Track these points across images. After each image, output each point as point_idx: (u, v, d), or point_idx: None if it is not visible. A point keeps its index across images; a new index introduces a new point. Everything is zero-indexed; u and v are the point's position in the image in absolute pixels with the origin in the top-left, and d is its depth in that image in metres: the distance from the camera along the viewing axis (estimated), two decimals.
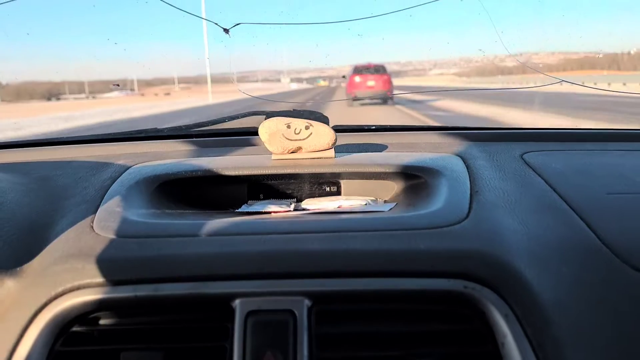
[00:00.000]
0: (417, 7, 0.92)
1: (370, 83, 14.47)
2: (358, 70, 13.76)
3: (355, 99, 13.82)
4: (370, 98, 14.56)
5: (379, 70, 14.54)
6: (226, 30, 0.90)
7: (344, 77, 14.51)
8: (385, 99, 15.08)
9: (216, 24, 0.88)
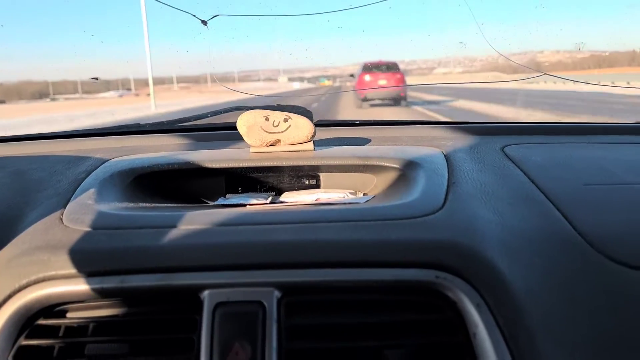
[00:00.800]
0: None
1: (382, 82, 12.92)
2: (368, 68, 12.43)
3: (365, 99, 12.61)
4: (382, 99, 13.35)
5: (391, 67, 13.16)
6: (204, 22, 0.89)
7: (351, 75, 13.44)
8: (398, 100, 13.47)
9: (194, 15, 0.87)
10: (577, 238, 0.63)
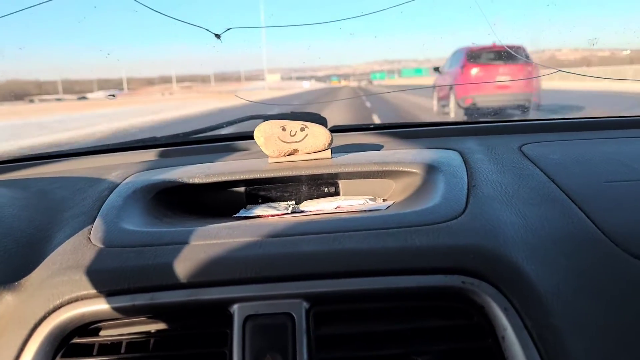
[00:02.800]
0: (408, 3, 0.91)
1: (502, 78, 7.06)
2: (475, 56, 7.50)
3: (472, 107, 7.08)
4: (500, 107, 6.86)
5: (512, 56, 6.76)
6: (217, 36, 0.90)
7: (436, 69, 8.59)
8: (527, 107, 7.10)
9: (207, 30, 0.88)
10: (601, 236, 0.63)
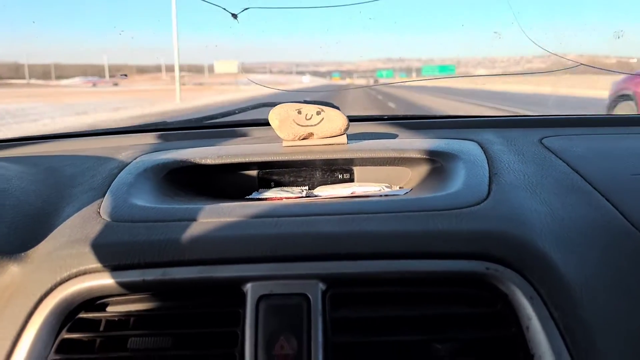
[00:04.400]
0: None
1: None
2: None
3: None
4: None
5: None
6: (234, 16, 0.88)
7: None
8: None
9: (224, 9, 0.86)
10: (630, 228, 0.61)
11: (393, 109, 11.86)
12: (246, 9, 0.86)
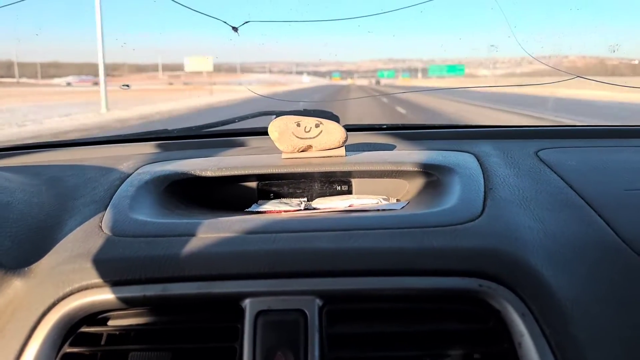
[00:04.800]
0: (428, 2, 0.90)
1: None
2: None
3: None
4: None
5: None
6: (235, 29, 0.89)
7: None
8: None
9: (225, 22, 0.87)
10: (621, 245, 0.62)
11: (404, 114, 11.27)
12: (246, 22, 0.87)
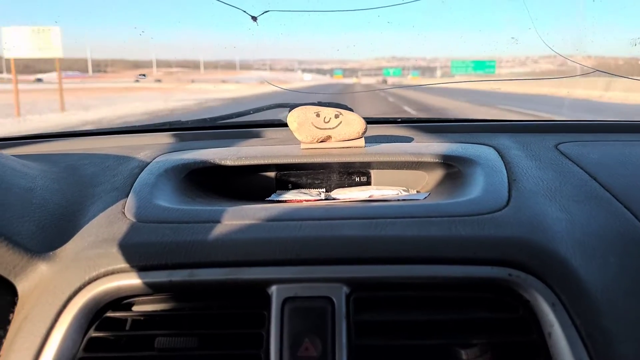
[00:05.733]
0: None
1: None
2: None
3: None
4: None
5: None
6: (254, 18, 0.89)
7: None
8: None
9: (244, 11, 0.86)
10: None
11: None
12: (266, 11, 0.87)
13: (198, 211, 0.66)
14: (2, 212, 0.61)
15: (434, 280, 0.57)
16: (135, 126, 1.17)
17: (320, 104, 1.16)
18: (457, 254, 0.58)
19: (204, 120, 1.17)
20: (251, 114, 1.19)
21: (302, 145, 0.88)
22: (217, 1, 0.99)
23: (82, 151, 0.98)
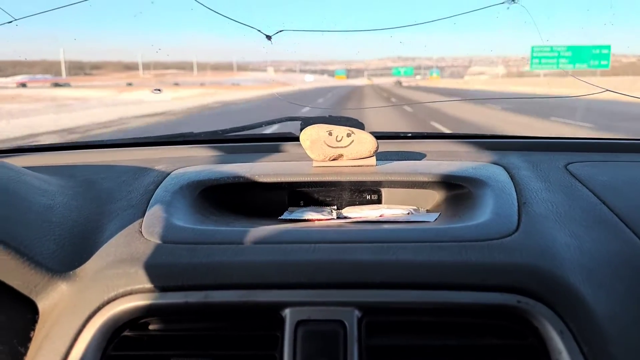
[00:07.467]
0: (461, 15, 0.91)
1: None
2: None
3: None
4: None
5: None
6: (269, 37, 0.91)
7: None
8: None
9: (259, 30, 0.88)
10: None
11: None
12: (280, 31, 0.88)
13: (213, 232, 0.68)
14: (24, 232, 0.63)
15: (443, 305, 0.58)
16: (149, 138, 1.19)
17: (330, 117, 1.18)
18: (467, 280, 0.59)
19: (216, 132, 1.19)
20: (263, 127, 1.21)
21: (314, 164, 0.89)
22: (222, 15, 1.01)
23: (98, 163, 1.00)
